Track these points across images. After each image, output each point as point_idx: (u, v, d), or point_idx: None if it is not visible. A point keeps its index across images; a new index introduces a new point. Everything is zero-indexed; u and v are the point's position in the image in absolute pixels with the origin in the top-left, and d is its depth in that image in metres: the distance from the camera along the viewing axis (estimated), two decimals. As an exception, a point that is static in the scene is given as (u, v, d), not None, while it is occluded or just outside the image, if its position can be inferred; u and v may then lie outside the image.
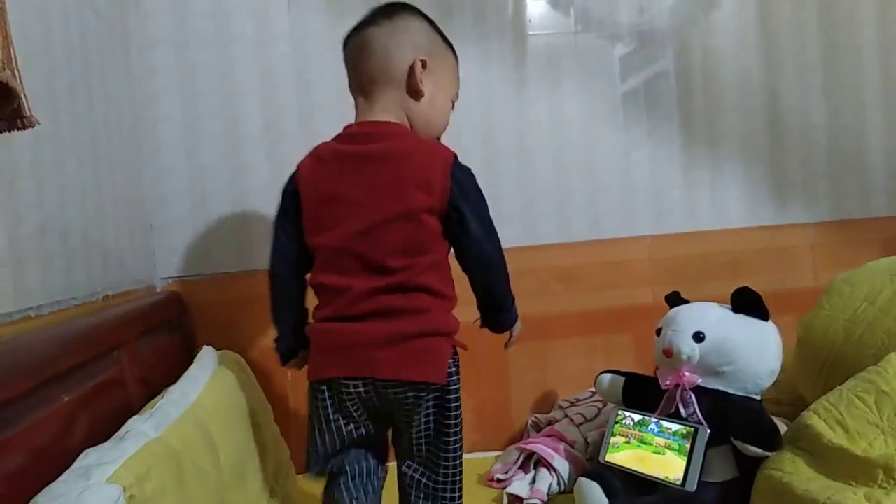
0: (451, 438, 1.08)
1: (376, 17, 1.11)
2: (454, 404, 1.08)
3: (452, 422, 1.08)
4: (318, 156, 1.14)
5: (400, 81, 1.10)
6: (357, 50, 1.12)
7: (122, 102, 1.54)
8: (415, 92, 1.10)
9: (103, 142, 1.39)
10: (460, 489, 1.11)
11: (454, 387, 1.08)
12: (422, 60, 1.09)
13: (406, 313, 1.03)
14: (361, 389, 1.06)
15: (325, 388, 1.09)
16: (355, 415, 1.09)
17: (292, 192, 1.12)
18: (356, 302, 1.04)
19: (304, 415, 1.72)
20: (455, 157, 1.09)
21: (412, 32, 1.11)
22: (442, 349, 1.06)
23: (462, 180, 1.07)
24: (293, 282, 1.16)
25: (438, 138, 1.19)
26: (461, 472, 1.11)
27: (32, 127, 0.64)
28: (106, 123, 1.41)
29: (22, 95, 0.62)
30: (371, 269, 1.04)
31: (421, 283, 1.04)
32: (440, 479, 1.09)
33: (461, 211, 1.05)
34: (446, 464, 1.09)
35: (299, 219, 1.11)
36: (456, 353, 1.11)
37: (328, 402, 1.09)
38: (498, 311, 1.18)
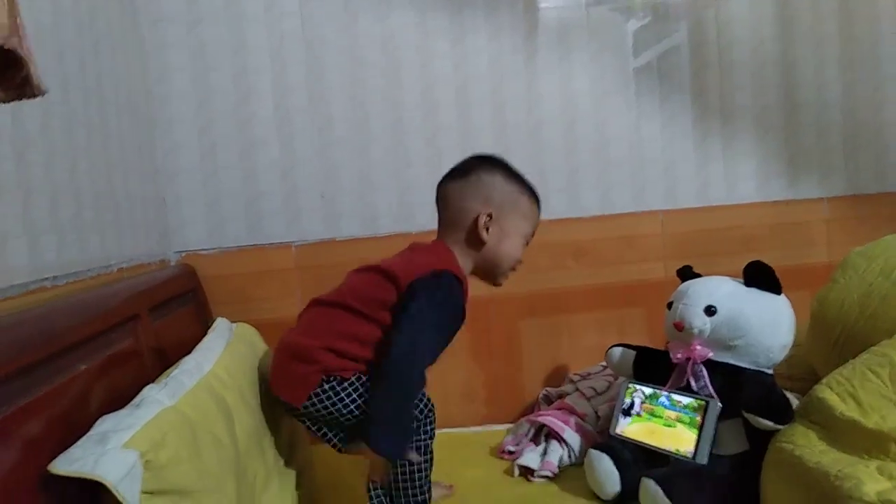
0: None
1: (454, 172, 1.25)
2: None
3: None
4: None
5: (465, 231, 1.21)
6: (439, 200, 1.26)
7: (134, 78, 1.54)
8: (477, 242, 1.21)
9: (114, 116, 1.39)
10: None
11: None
12: (488, 214, 1.19)
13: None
14: None
15: None
16: None
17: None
18: None
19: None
20: (438, 272, 1.15)
21: (481, 187, 1.21)
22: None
23: (423, 285, 1.12)
24: None
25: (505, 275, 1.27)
26: None
27: (42, 95, 0.64)
28: (116, 98, 1.41)
29: (30, 63, 0.61)
30: None
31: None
32: None
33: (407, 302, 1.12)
34: None
35: None
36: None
37: None
38: (372, 421, 1.08)
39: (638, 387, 1.40)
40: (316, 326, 1.17)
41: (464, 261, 1.22)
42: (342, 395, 1.11)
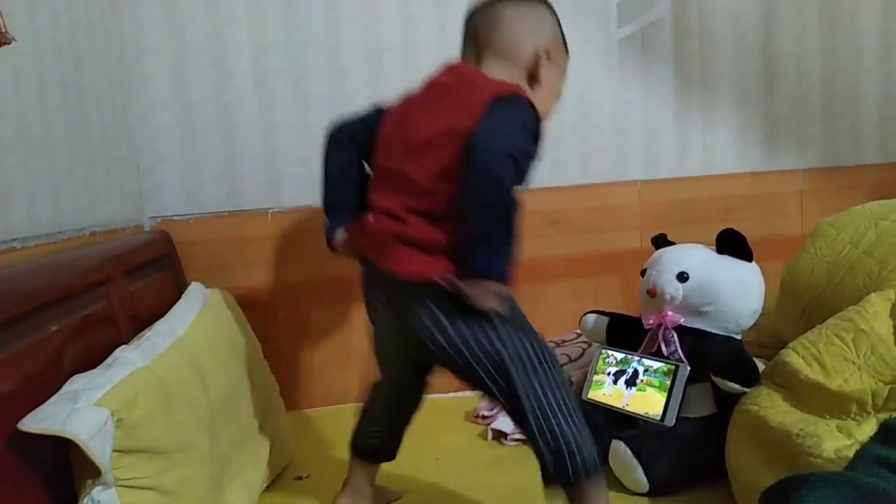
0: None
1: None
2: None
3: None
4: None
5: (520, 63, 1.08)
6: (484, 22, 1.10)
7: (108, 34, 1.51)
8: (533, 78, 1.08)
9: (88, 74, 1.36)
10: None
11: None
12: (547, 51, 1.08)
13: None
14: None
15: None
16: None
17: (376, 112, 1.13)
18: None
19: (294, 352, 1.75)
20: (514, 92, 1.00)
21: (545, 22, 1.10)
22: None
23: (503, 102, 0.97)
24: (350, 153, 1.13)
25: None
26: None
27: (8, 44, 0.63)
28: (91, 55, 1.38)
29: (-4, 12, 0.60)
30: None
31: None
32: None
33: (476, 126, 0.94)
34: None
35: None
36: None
37: None
38: (473, 244, 0.94)
39: (610, 352, 1.42)
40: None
41: None
42: None
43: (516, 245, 0.95)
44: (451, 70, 1.09)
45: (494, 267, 0.93)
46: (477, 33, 1.10)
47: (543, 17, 1.10)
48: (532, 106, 0.99)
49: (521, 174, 0.96)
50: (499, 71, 1.06)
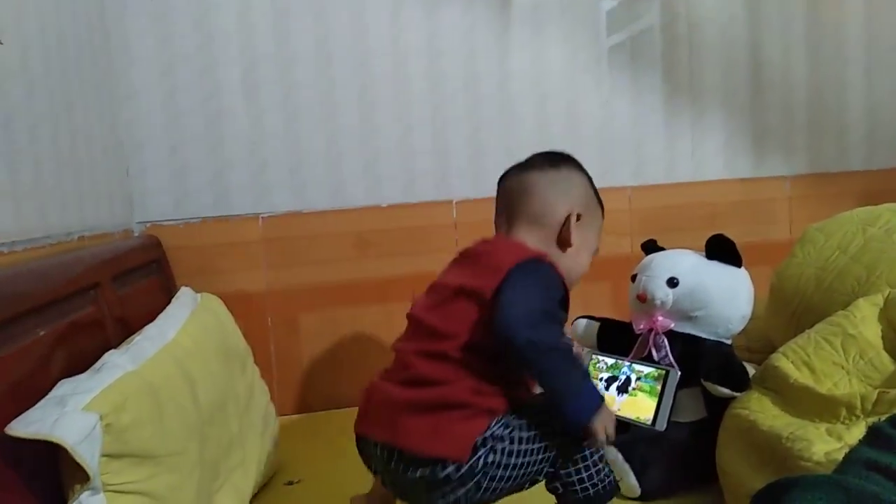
0: None
1: (542, 162, 1.11)
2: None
3: None
4: None
5: (551, 228, 1.08)
6: (516, 190, 1.10)
7: (96, 43, 1.51)
8: (564, 242, 1.08)
9: (76, 82, 1.36)
10: None
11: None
12: (578, 213, 1.08)
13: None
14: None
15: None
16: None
17: None
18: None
19: (284, 357, 1.75)
20: (537, 257, 1.01)
21: (573, 185, 1.10)
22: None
23: (524, 269, 0.98)
24: None
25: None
26: None
27: (-4, 46, 0.62)
28: (78, 63, 1.38)
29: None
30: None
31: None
32: None
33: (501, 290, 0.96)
34: None
35: None
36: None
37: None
38: (556, 400, 0.94)
39: (600, 357, 1.42)
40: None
41: None
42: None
43: (585, 375, 0.99)
44: (484, 240, 1.10)
45: (586, 408, 0.93)
46: (508, 199, 1.11)
47: (571, 180, 1.10)
48: (554, 270, 1.01)
49: (552, 319, 0.97)
50: (528, 235, 1.07)
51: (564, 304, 1.03)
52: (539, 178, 1.09)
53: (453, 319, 0.98)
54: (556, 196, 1.08)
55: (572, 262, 1.08)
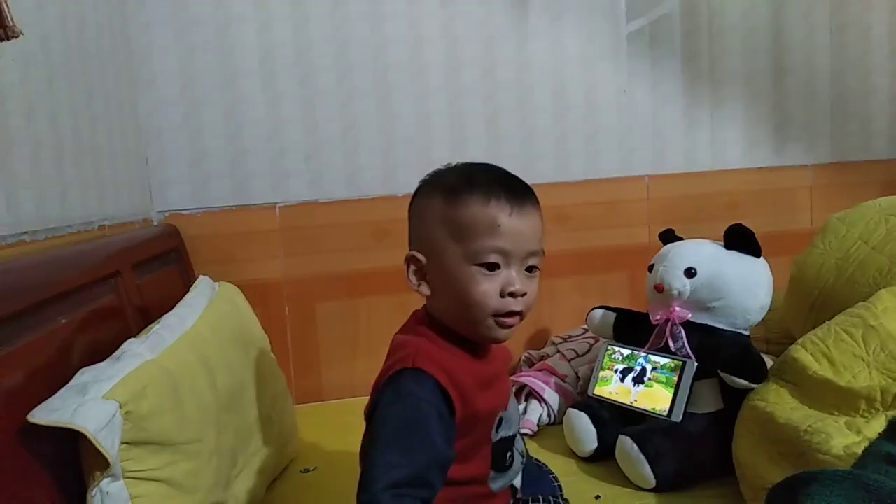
0: None
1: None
2: None
3: None
4: None
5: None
6: None
7: (115, 31, 1.51)
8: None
9: (96, 70, 1.37)
10: None
11: None
12: (410, 258, 0.86)
13: None
14: None
15: None
16: None
17: None
18: None
19: (301, 346, 1.76)
20: (399, 371, 0.81)
21: (412, 222, 0.90)
22: None
23: (380, 399, 0.80)
24: None
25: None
26: None
27: (16, 37, 0.63)
28: (98, 51, 1.39)
29: (3, 3, 0.60)
30: None
31: None
32: None
33: None
34: None
35: None
36: None
37: None
38: None
39: (616, 348, 1.42)
40: None
41: (439, 324, 0.86)
42: None
43: None
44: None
45: None
46: None
47: (411, 218, 0.89)
48: (418, 372, 0.79)
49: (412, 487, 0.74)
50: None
51: (432, 414, 0.77)
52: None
53: None
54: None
55: (445, 309, 0.84)
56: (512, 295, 0.81)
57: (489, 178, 0.84)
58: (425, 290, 0.85)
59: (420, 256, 0.84)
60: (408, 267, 0.86)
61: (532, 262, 0.84)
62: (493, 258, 0.80)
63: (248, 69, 1.69)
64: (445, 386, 0.79)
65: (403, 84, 1.77)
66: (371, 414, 0.81)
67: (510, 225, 0.81)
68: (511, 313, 0.82)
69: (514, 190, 0.83)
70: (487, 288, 0.80)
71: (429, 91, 1.79)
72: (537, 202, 0.86)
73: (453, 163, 0.91)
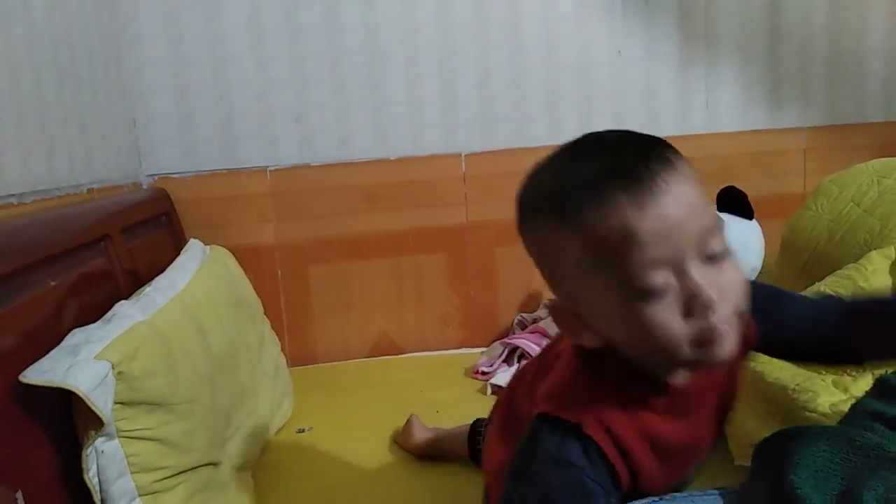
0: None
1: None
2: None
3: None
4: None
5: None
6: None
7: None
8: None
9: (79, 29, 1.34)
10: None
11: None
12: (567, 309, 0.64)
13: None
14: None
15: None
16: None
17: None
18: None
19: (294, 310, 1.76)
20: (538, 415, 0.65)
21: (543, 266, 0.66)
22: None
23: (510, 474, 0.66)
24: None
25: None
26: None
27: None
28: (82, 10, 1.36)
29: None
30: None
31: None
32: None
33: None
34: None
35: None
36: None
37: None
38: None
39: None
40: None
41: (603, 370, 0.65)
42: None
43: None
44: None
45: None
46: None
47: (537, 257, 0.65)
48: (565, 428, 0.62)
49: None
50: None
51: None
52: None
53: None
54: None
55: (624, 352, 0.62)
56: (703, 308, 0.56)
57: (593, 170, 0.59)
58: (590, 340, 0.63)
59: (564, 304, 0.64)
60: (556, 317, 0.66)
61: (711, 245, 0.59)
62: (651, 279, 0.56)
63: (236, 29, 1.66)
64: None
65: (394, 43, 1.75)
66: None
67: (651, 223, 0.56)
68: (713, 332, 0.56)
69: (634, 169, 0.57)
70: (665, 317, 0.57)
71: (419, 51, 1.76)
72: (675, 166, 0.59)
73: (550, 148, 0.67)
